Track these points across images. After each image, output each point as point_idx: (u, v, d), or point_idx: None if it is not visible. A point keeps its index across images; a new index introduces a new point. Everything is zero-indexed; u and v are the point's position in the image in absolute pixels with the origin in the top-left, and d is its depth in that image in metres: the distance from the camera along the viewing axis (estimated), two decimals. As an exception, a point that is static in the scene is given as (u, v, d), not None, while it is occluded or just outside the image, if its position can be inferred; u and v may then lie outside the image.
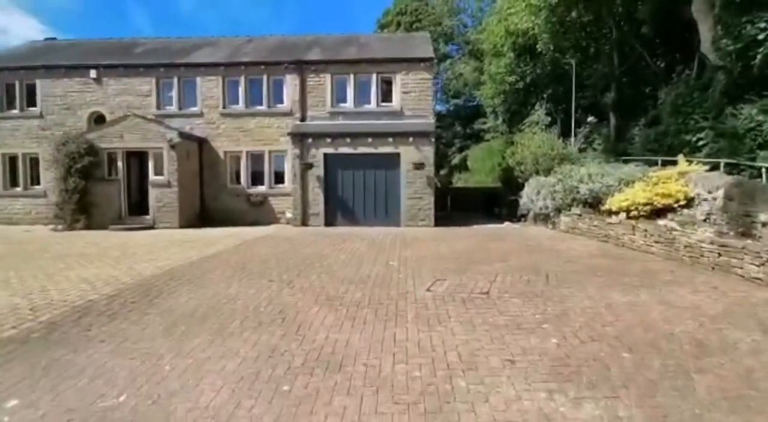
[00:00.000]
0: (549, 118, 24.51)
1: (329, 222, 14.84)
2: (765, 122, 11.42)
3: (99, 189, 14.28)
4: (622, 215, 10.80)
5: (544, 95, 27.35)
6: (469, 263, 7.66)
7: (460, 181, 33.71)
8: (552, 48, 24.17)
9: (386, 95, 15.64)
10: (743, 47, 12.64)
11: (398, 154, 14.63)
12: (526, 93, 28.29)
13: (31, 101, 16.30)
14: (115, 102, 15.95)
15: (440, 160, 34.43)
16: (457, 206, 24.00)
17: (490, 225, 15.06)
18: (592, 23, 23.52)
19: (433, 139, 14.59)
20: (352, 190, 14.92)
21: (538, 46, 23.67)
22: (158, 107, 15.97)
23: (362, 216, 14.92)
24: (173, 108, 16.02)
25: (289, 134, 14.84)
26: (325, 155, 14.79)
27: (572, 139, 20.52)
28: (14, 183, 16.42)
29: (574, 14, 23.04)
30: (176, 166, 14.15)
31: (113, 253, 9.06)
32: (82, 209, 14.11)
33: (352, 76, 15.46)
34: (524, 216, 16.22)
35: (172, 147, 14.05)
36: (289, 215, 15.27)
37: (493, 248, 9.50)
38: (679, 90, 14.81)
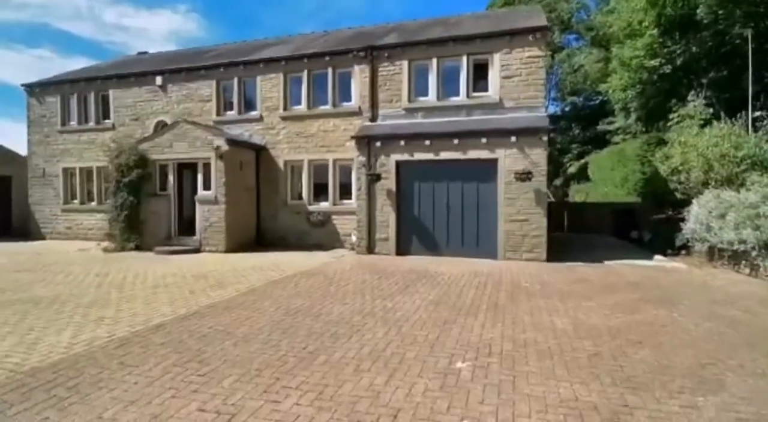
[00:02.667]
0: (711, 111, 18.21)
1: (402, 250, 11.43)
2: None
3: (149, 205, 12.80)
4: None
5: (703, 81, 20.75)
6: (630, 385, 3.59)
7: (578, 193, 27.82)
8: (718, 14, 17.94)
9: (480, 83, 11.81)
10: None
11: (495, 161, 10.69)
12: (673, 80, 21.90)
13: (106, 113, 15.83)
14: (178, 109, 14.63)
15: (554, 169, 29.05)
16: (576, 227, 18.82)
17: (633, 263, 10.19)
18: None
19: (545, 138, 10.36)
20: (431, 208, 11.34)
21: (698, 11, 17.64)
22: (218, 113, 14.25)
23: (445, 244, 11.22)
24: (233, 113, 14.16)
25: (353, 138, 11.84)
26: (398, 163, 11.47)
27: (751, 137, 14.38)
28: (91, 198, 16.05)
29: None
30: (224, 178, 12.04)
31: (97, 295, 6.78)
32: (132, 228, 12.74)
33: (434, 61, 11.96)
34: (687, 247, 11.03)
35: (220, 157, 11.98)
36: (353, 239, 12.22)
37: (663, 328, 5.15)
38: None
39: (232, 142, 12.39)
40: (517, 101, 11.26)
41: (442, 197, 11.23)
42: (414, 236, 11.47)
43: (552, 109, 33.78)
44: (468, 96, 11.72)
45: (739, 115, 12.44)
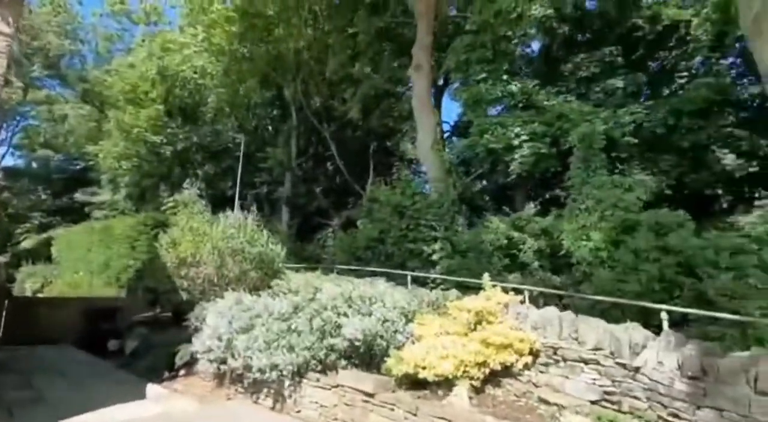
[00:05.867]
0: (204, 202, 18.01)
1: None
2: (519, 240, 9.59)
3: None
4: (459, 389, 5.51)
5: (199, 172, 20.85)
6: None
7: (31, 279, 20.09)
8: (228, 111, 18.85)
9: None
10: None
11: None
12: (172, 164, 20.86)
13: None
14: None
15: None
16: (24, 334, 12.12)
17: (125, 414, 6.12)
18: (276, 102, 19.92)
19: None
20: None
21: (208, 101, 17.69)
22: None
23: None
24: None
25: None
26: None
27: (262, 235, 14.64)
28: None
29: (242, 91, 18.80)
30: None
31: None
32: None
33: None
34: (190, 365, 8.37)
35: None
36: None
37: None
38: (402, 190, 12.06)
39: None
40: None
41: None
42: None
43: (10, 161, 24.83)
44: None
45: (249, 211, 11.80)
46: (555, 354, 5.82)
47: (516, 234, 9.48)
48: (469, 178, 11.90)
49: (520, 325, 6.28)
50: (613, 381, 5.08)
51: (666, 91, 10.56)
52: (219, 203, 17.67)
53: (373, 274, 10.64)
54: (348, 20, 15.02)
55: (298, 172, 19.69)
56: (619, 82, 10.22)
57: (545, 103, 9.68)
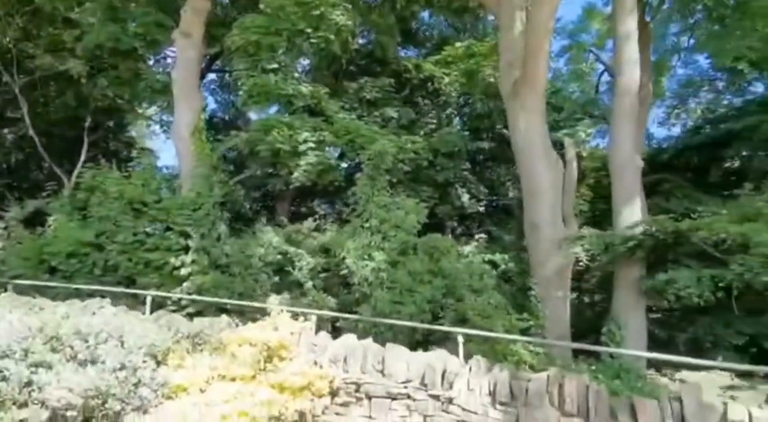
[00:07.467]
0: None
1: None
2: (294, 255, 8.38)
3: None
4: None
5: None
6: None
7: None
8: None
9: None
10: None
11: None
12: None
13: None
14: None
15: None
16: None
17: None
18: None
19: None
20: None
21: None
22: None
23: None
24: None
25: None
26: None
27: None
28: None
29: None
30: None
31: None
32: None
33: None
34: None
35: None
36: None
37: None
38: (144, 181, 8.98)
39: None
40: None
41: None
42: None
43: None
44: None
45: None
46: (357, 390, 4.99)
47: (292, 249, 8.39)
48: (234, 179, 10.08)
49: (317, 359, 5.20)
50: (425, 417, 4.63)
51: (421, 132, 11.97)
52: None
53: (87, 295, 7.40)
54: (83, -61, 10.84)
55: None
56: (394, 113, 10.96)
57: (334, 114, 9.23)
